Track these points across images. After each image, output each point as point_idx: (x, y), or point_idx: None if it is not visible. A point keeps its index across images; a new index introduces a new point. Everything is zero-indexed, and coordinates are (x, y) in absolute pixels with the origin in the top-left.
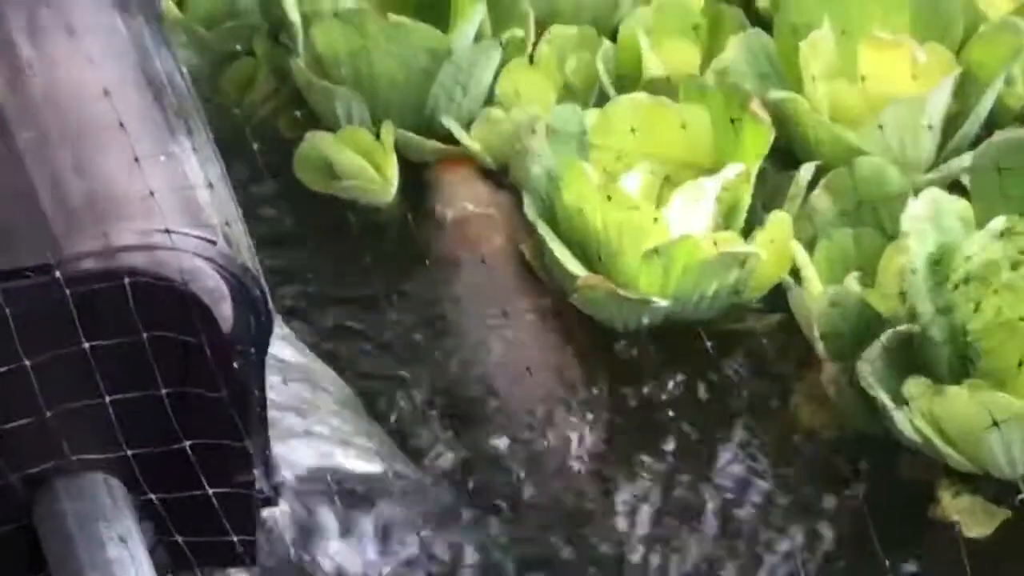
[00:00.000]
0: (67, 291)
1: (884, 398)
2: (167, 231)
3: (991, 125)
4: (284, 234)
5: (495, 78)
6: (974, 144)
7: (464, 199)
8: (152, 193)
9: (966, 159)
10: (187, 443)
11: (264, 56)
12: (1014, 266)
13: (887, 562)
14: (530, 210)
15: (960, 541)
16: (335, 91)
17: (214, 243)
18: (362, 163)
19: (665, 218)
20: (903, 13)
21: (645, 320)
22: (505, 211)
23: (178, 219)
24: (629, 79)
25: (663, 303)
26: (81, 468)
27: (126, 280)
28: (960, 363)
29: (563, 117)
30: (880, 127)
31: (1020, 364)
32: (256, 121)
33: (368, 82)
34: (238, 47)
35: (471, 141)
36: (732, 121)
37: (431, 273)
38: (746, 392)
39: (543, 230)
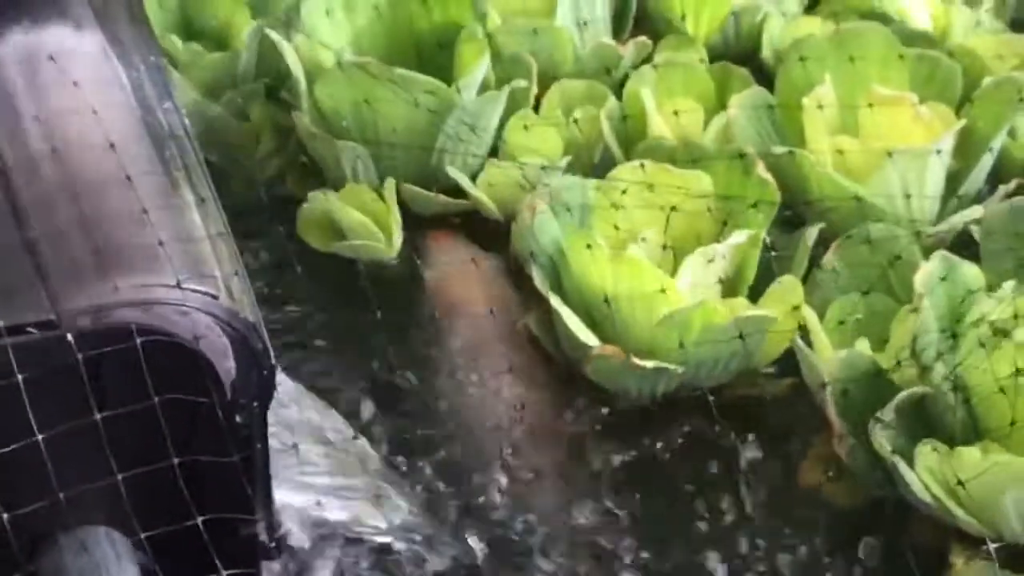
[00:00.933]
0: (72, 342)
1: (897, 461)
2: (170, 286)
3: (996, 178)
4: (290, 293)
5: (500, 128)
6: (978, 198)
7: (449, 265)
8: (161, 244)
9: (975, 211)
10: (194, 511)
11: (262, 118)
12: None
13: None
14: (540, 282)
15: None
16: (340, 145)
17: (216, 297)
18: (366, 222)
19: (676, 285)
20: (903, 72)
21: (660, 388)
22: (491, 277)
23: (182, 273)
24: (635, 134)
25: (678, 370)
26: (83, 522)
27: (136, 338)
28: (973, 425)
29: (566, 187)
30: (885, 177)
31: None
32: (263, 180)
33: (373, 135)
34: (239, 106)
35: (477, 192)
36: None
37: (430, 333)
38: (756, 456)
39: (555, 302)
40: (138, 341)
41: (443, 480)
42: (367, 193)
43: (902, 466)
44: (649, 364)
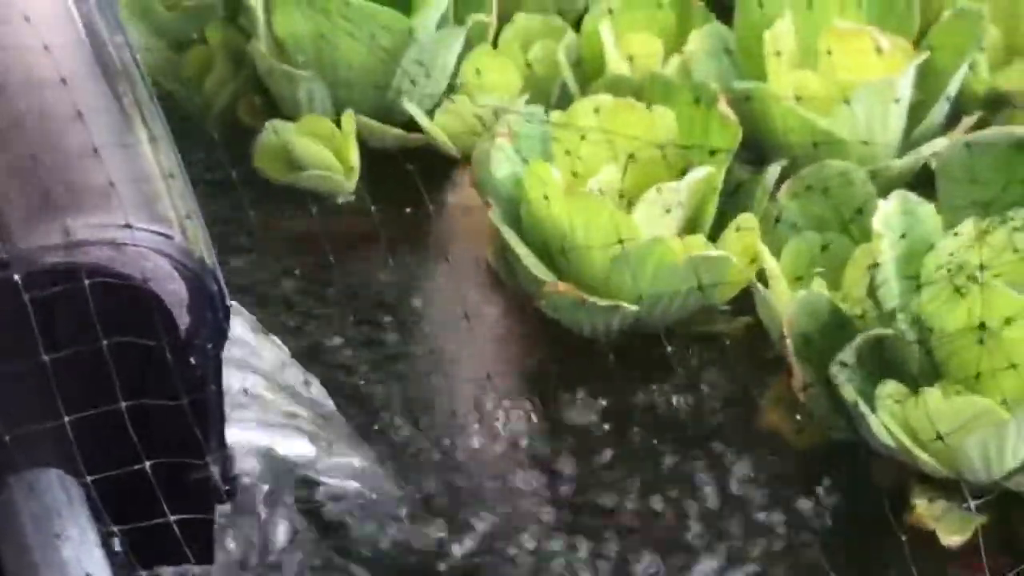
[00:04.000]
0: (19, 284)
1: (859, 404)
2: (126, 226)
3: (956, 112)
4: (243, 226)
5: (458, 63)
6: (940, 131)
7: None
8: (112, 184)
9: (937, 143)
10: (142, 454)
11: (220, 42)
12: (984, 269)
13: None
14: (495, 214)
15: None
16: (297, 76)
17: (171, 238)
18: (324, 152)
19: (633, 221)
20: (860, 6)
21: (614, 325)
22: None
23: (135, 213)
24: (592, 70)
25: (632, 308)
26: (35, 465)
27: (85, 279)
28: (932, 366)
29: (526, 119)
30: (849, 111)
31: (978, 376)
32: (216, 109)
33: (330, 66)
34: (195, 34)
35: (433, 128)
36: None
37: (397, 268)
38: (715, 397)
39: (508, 235)
40: (86, 283)
41: (400, 419)
42: (325, 124)
43: (864, 409)
44: (602, 302)
